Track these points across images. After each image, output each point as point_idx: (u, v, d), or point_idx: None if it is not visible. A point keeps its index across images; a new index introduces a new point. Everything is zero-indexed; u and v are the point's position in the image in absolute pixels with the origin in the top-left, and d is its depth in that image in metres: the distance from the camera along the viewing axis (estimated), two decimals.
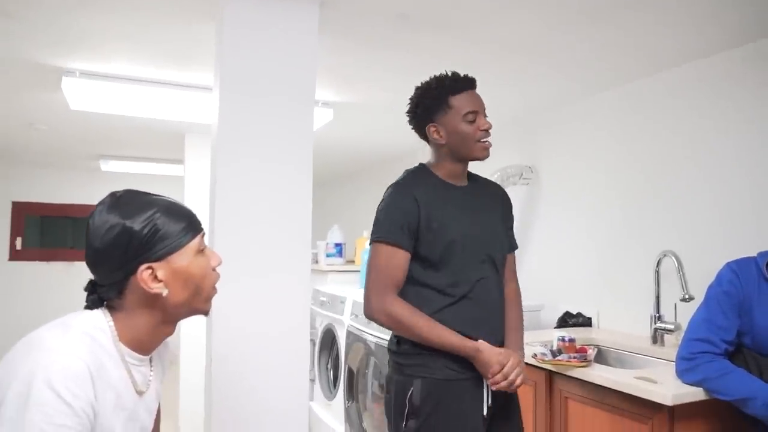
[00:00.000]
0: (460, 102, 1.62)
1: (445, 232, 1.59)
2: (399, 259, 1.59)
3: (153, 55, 2.53)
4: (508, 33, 2.21)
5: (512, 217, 1.84)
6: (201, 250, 1.12)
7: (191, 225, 1.12)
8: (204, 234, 1.16)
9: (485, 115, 1.65)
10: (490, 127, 1.64)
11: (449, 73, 1.66)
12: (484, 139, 1.64)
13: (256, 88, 1.87)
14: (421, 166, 1.73)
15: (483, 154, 1.65)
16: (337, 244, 4.36)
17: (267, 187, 1.88)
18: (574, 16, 2.05)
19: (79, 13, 2.08)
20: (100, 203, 1.08)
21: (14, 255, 6.04)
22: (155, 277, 1.05)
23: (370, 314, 1.62)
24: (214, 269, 1.15)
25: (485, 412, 1.57)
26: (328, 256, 4.35)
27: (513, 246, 1.82)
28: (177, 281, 1.08)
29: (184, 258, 1.08)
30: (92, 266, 1.07)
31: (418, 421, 1.55)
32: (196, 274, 1.10)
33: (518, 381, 1.56)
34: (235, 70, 1.85)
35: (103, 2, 1.99)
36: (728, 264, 1.78)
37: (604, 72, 2.67)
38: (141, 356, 1.10)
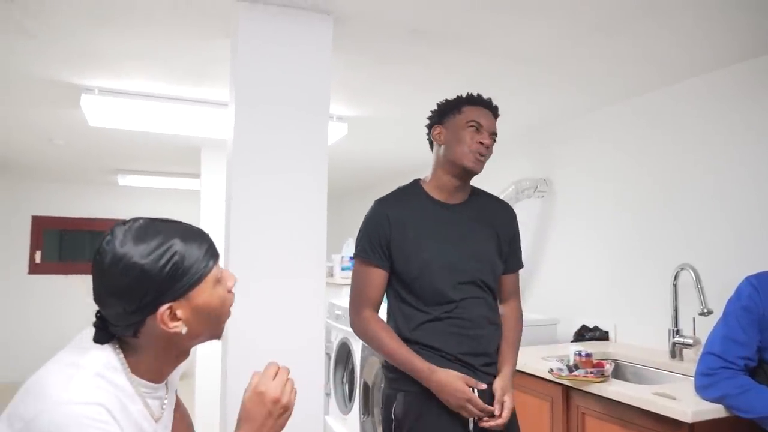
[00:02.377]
0: (470, 111, 1.66)
1: (418, 253, 1.60)
2: (373, 276, 1.64)
3: (169, 72, 2.57)
4: (520, 46, 2.21)
5: (516, 235, 1.80)
6: (219, 279, 1.04)
7: (209, 253, 1.02)
8: (219, 258, 1.07)
9: (492, 137, 1.66)
10: (489, 145, 1.65)
11: (477, 94, 1.71)
12: (479, 152, 1.64)
13: (270, 102, 1.88)
14: (413, 183, 1.76)
15: (473, 165, 1.64)
16: (352, 258, 4.36)
17: (282, 201, 1.89)
18: (587, 29, 2.05)
19: (97, 33, 2.13)
20: (110, 237, 0.96)
21: (33, 269, 6.13)
22: (174, 316, 0.97)
23: (352, 329, 1.71)
24: (230, 291, 1.08)
25: (471, 427, 1.56)
26: (343, 269, 4.35)
27: (514, 265, 1.79)
28: (197, 317, 1.00)
29: (204, 292, 1.00)
30: (104, 307, 0.98)
31: None
32: (216, 306, 1.03)
33: (505, 414, 1.54)
34: (249, 85, 1.87)
35: (120, 21, 2.03)
36: (748, 278, 1.75)
37: (617, 84, 2.66)
38: (156, 385, 1.05)
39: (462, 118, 1.65)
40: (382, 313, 1.69)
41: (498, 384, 1.60)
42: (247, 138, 1.87)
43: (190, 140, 3.94)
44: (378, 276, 1.64)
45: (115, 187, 6.17)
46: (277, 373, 1.05)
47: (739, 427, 1.67)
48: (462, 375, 1.53)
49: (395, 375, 1.62)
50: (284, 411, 1.03)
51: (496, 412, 1.54)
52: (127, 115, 3.08)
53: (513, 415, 1.62)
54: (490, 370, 1.63)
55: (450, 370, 1.54)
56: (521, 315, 1.80)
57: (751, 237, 2.25)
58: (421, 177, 1.77)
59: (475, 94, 1.70)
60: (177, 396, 1.28)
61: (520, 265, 1.81)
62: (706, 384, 1.70)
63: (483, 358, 1.62)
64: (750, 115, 2.29)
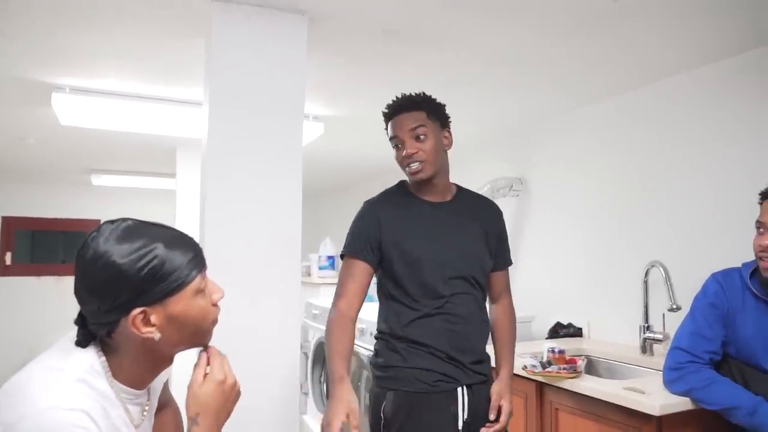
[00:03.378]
0: (390, 126, 1.65)
1: (409, 250, 1.61)
2: (356, 270, 1.63)
3: (143, 71, 2.55)
4: (497, 46, 2.23)
5: (502, 233, 1.81)
6: (201, 290, 1.02)
7: (193, 263, 1.01)
8: (206, 270, 1.05)
9: (414, 139, 1.60)
10: (412, 153, 1.59)
11: (393, 99, 1.67)
12: (408, 165, 1.62)
13: (245, 102, 1.88)
14: (399, 184, 1.76)
15: (413, 177, 1.64)
16: (329, 257, 4.36)
17: (257, 201, 1.89)
18: (564, 29, 2.07)
19: (69, 31, 2.10)
20: (96, 233, 0.96)
21: (4, 270, 5.99)
22: (147, 321, 0.96)
23: None
24: (215, 304, 1.06)
25: (460, 426, 1.58)
26: (320, 268, 4.36)
27: (503, 263, 1.81)
28: (171, 325, 0.98)
29: (182, 301, 0.98)
30: (80, 303, 0.98)
31: None
32: (195, 317, 1.01)
33: (503, 419, 1.61)
34: (224, 85, 1.87)
35: (93, 20, 2.00)
36: (714, 275, 1.80)
37: (592, 84, 2.70)
38: (137, 391, 1.04)
39: (389, 134, 1.66)
40: (372, 314, 1.68)
41: (494, 389, 1.65)
42: (222, 137, 1.86)
43: (166, 140, 3.90)
44: (361, 270, 1.63)
45: (89, 186, 6.06)
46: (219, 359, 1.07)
47: (704, 419, 1.72)
48: (352, 407, 1.43)
49: (384, 373, 1.62)
50: (236, 391, 1.06)
51: (491, 417, 1.60)
52: (100, 115, 3.04)
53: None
54: (480, 368, 1.65)
55: (352, 395, 1.45)
56: (514, 314, 1.82)
57: (718, 235, 2.31)
58: (404, 178, 1.76)
59: (393, 99, 1.66)
60: (169, 395, 1.28)
61: (510, 262, 1.83)
62: (674, 378, 1.75)
63: (472, 356, 1.63)
64: (722, 116, 2.35)
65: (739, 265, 1.78)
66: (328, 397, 1.47)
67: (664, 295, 2.31)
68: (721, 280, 1.77)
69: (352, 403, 1.45)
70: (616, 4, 1.85)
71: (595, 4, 1.87)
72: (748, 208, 1.77)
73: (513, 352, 1.77)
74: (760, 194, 1.70)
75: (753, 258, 1.72)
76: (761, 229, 1.66)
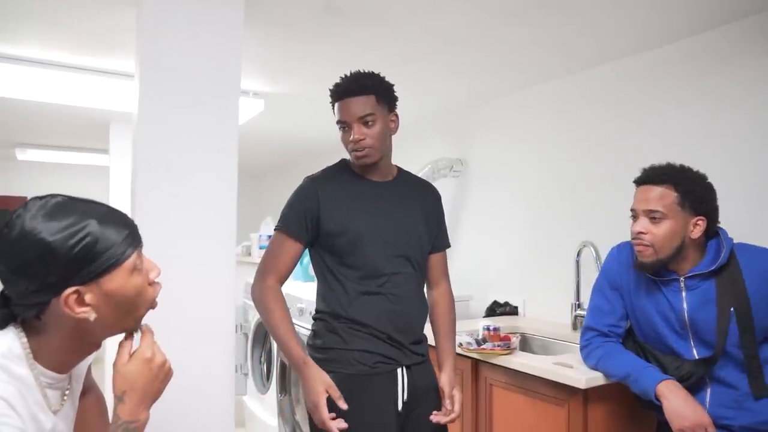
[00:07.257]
0: (337, 109, 1.62)
1: (349, 226, 1.60)
2: (287, 247, 1.62)
3: (72, 40, 2.41)
4: (438, 25, 2.22)
5: (441, 216, 1.82)
6: (137, 268, 0.99)
7: (128, 240, 0.98)
8: (142, 247, 1.02)
9: (362, 125, 1.57)
10: (359, 139, 1.57)
11: (342, 78, 1.62)
12: (354, 150, 1.60)
13: (178, 76, 1.81)
14: (340, 162, 1.75)
15: (358, 162, 1.63)
16: (270, 237, 4.31)
17: (191, 178, 1.83)
18: (509, 9, 2.05)
19: None
20: (22, 210, 0.92)
21: None
22: (82, 301, 0.93)
23: (251, 294, 1.69)
24: (151, 283, 1.04)
25: (400, 407, 1.59)
26: (261, 248, 4.29)
27: (441, 245, 1.82)
28: (107, 304, 0.95)
29: (117, 278, 0.95)
30: (7, 284, 0.93)
31: None
32: (130, 294, 0.98)
33: (457, 407, 1.62)
34: (156, 57, 1.79)
35: None
36: (612, 250, 1.84)
37: (531, 68, 2.73)
38: (59, 375, 1.00)
39: (336, 118, 1.62)
40: (308, 292, 1.67)
41: (444, 379, 1.66)
42: (154, 112, 1.79)
43: (98, 113, 3.72)
44: (294, 248, 1.62)
45: (13, 162, 5.73)
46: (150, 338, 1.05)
47: (626, 391, 1.79)
48: (328, 382, 1.52)
49: (323, 355, 1.61)
50: (165, 370, 1.04)
51: (447, 407, 1.62)
52: (24, 84, 2.87)
53: (437, 404, 1.67)
54: (419, 349, 1.67)
55: (322, 373, 1.53)
56: (453, 300, 1.83)
57: None
58: (347, 157, 1.73)
59: (341, 78, 1.62)
60: (91, 381, 1.23)
61: (448, 245, 1.85)
62: (584, 355, 1.82)
63: (411, 336, 1.65)
64: (650, 102, 2.43)
65: None
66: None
67: (594, 274, 2.40)
68: (617, 253, 1.81)
69: (326, 378, 1.51)
70: None
71: None
72: None
73: (455, 341, 1.79)
74: (633, 181, 1.71)
75: None
76: (634, 216, 1.69)
